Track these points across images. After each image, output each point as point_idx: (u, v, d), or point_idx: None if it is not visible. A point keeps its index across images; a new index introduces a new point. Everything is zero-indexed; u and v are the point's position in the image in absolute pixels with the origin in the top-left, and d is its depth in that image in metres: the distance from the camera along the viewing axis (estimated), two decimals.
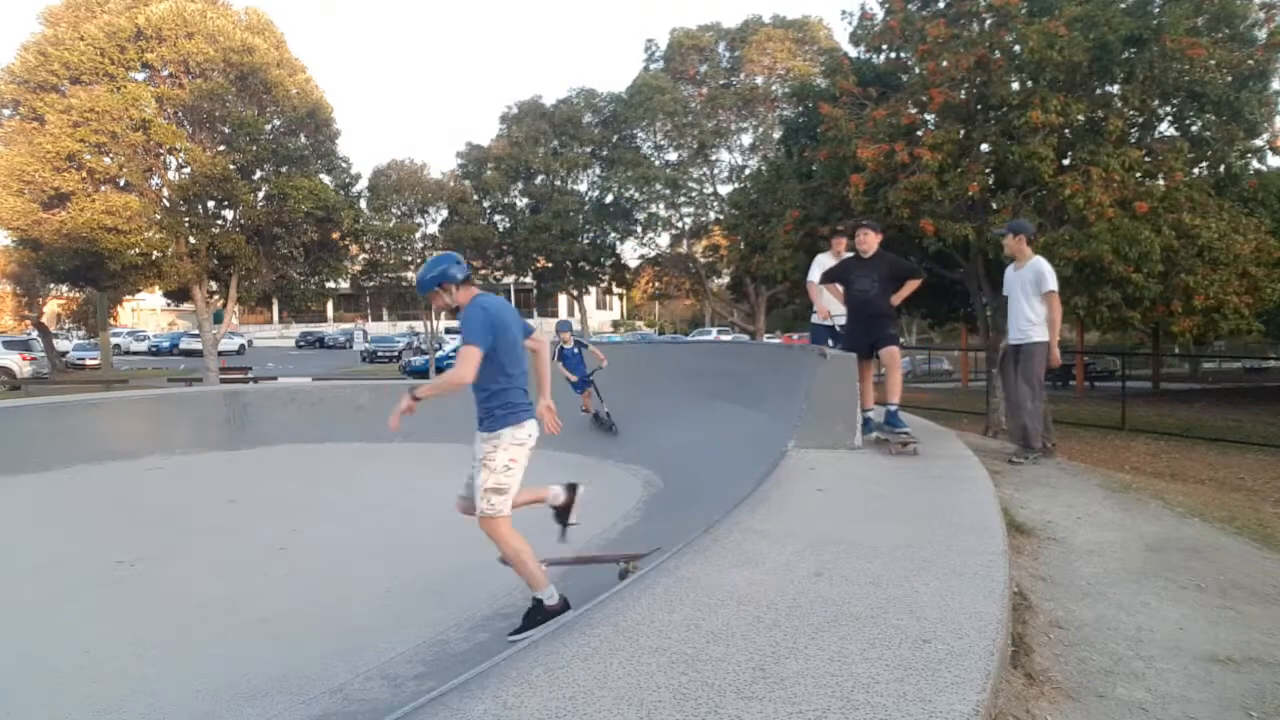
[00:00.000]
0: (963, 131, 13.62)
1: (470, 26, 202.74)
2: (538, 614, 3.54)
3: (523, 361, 3.65)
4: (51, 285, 29.68)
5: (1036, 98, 12.08)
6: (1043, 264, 5.85)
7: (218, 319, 24.10)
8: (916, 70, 14.37)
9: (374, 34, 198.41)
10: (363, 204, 28.66)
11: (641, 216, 33.61)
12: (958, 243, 11.77)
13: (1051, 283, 5.77)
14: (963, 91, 13.59)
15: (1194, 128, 13.67)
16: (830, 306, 7.14)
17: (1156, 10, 12.63)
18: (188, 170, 20.98)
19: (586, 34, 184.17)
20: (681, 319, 64.97)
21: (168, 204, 20.90)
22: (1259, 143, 14.03)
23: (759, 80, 31.91)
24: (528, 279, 39.91)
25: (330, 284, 26.80)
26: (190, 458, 9.63)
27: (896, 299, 6.05)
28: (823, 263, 8.33)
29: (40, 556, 5.50)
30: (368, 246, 29.39)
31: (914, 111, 14.10)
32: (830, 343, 6.90)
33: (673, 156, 33.56)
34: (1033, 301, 5.79)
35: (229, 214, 22.25)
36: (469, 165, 34.53)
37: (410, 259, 32.26)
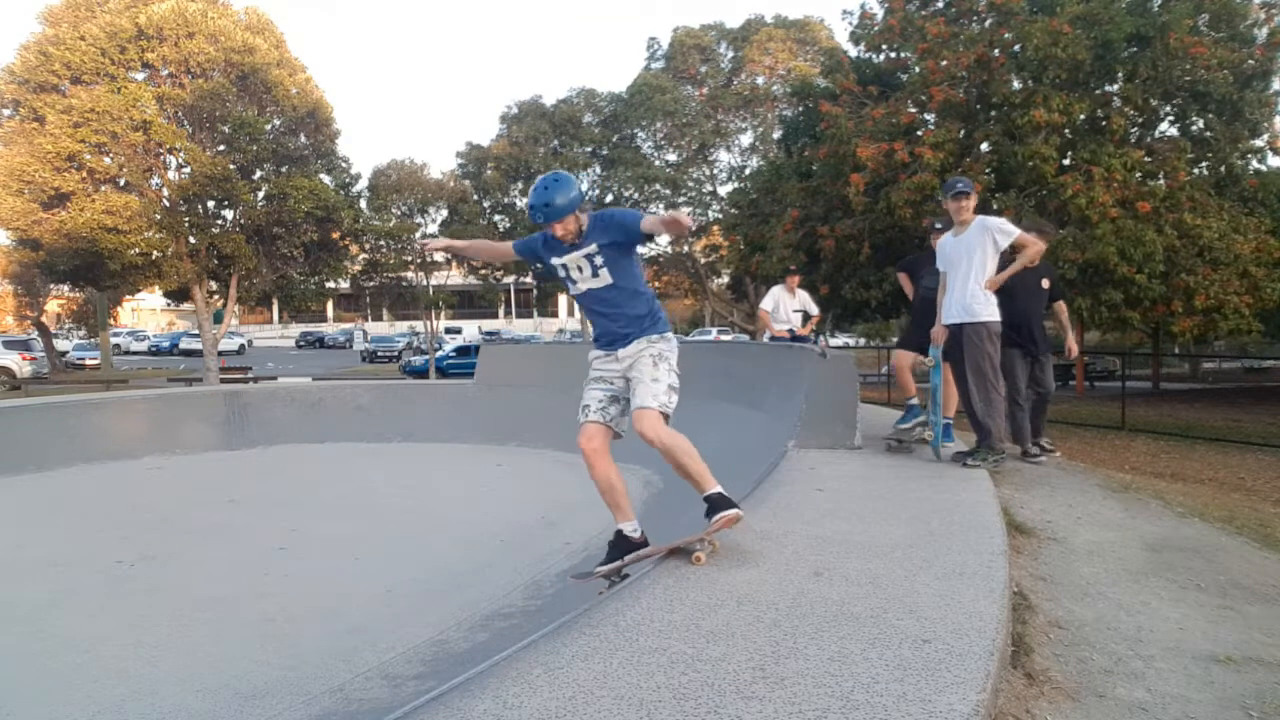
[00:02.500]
0: (963, 131, 13.63)
1: (470, 26, 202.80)
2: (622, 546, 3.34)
3: None
4: (51, 285, 29.67)
5: (1039, 96, 12.08)
6: (991, 217, 4.93)
7: (218, 319, 24.11)
8: (916, 69, 14.38)
9: (374, 34, 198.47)
10: (363, 204, 28.67)
11: None
12: None
13: (1013, 227, 4.82)
14: (962, 90, 13.60)
15: (1195, 127, 13.68)
16: (776, 326, 8.88)
17: (1158, 9, 12.65)
18: (188, 170, 20.99)
19: (586, 34, 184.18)
20: (681, 319, 64.91)
21: (168, 204, 20.91)
22: (1259, 143, 14.04)
23: (760, 80, 31.92)
24: (528, 279, 39.92)
25: (330, 284, 26.82)
26: (190, 458, 9.62)
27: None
28: (775, 294, 9.29)
29: (40, 556, 5.49)
30: (368, 246, 29.39)
31: (913, 110, 14.11)
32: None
33: (673, 156, 33.53)
34: (987, 263, 4.76)
35: (229, 214, 22.27)
36: (469, 165, 34.50)
37: (410, 259, 32.25)
